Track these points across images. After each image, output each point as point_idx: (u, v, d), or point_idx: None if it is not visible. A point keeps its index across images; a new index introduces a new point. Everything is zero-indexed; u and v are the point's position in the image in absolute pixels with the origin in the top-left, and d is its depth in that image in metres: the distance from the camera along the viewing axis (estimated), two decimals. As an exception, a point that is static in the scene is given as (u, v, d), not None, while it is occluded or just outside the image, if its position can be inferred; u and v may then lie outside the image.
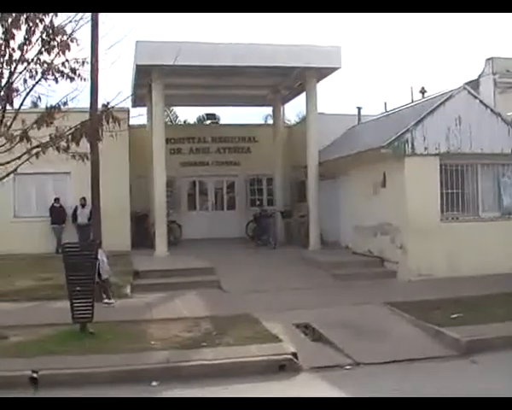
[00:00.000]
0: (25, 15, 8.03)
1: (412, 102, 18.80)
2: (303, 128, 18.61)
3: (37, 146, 8.51)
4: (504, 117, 13.95)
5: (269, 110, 25.44)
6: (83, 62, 8.71)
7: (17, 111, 8.69)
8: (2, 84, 8.38)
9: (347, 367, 7.27)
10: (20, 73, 8.40)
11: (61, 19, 8.32)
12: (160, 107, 17.42)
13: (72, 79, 8.59)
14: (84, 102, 10.23)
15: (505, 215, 13.99)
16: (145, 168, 18.71)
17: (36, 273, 12.96)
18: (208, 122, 26.70)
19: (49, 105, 8.68)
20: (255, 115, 37.99)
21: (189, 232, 20.29)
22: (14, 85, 8.45)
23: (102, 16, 10.27)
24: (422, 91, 19.47)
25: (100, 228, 11.08)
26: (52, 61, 8.45)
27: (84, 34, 9.10)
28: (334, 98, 47.63)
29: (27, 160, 8.66)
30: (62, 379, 6.66)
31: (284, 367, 7.15)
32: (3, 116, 8.54)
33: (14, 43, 8.18)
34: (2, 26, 8.01)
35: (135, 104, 20.28)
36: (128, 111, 15.13)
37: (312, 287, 12.31)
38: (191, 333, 8.52)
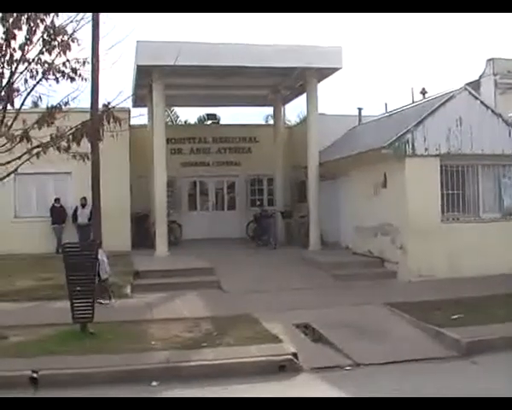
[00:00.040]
0: (26, 15, 8.05)
1: (413, 102, 18.78)
2: (303, 128, 18.61)
3: (38, 146, 8.52)
4: (505, 118, 13.94)
5: (269, 110, 25.44)
6: (84, 62, 8.72)
7: (18, 111, 8.70)
8: (3, 84, 8.39)
9: (347, 368, 7.27)
10: (21, 73, 8.41)
11: (62, 19, 8.36)
12: (161, 107, 17.42)
13: (72, 79, 8.60)
14: (85, 102, 10.28)
15: (506, 216, 13.98)
16: (146, 168, 18.71)
17: (36, 273, 12.96)
18: (209, 122, 26.70)
19: (49, 105, 8.70)
20: (256, 116, 38.00)
21: (189, 232, 20.31)
22: (15, 85, 8.46)
23: (103, 16, 10.30)
24: (423, 92, 19.44)
25: (100, 228, 11.09)
26: (53, 61, 8.47)
27: (84, 34, 9.13)
28: (335, 99, 47.71)
29: (28, 160, 8.67)
30: (62, 379, 6.66)
31: (284, 368, 7.14)
32: (4, 116, 8.54)
33: (15, 43, 8.20)
34: (4, 26, 8.02)
35: (135, 104, 20.32)
36: (129, 111, 15.16)
37: (312, 287, 12.31)
38: (191, 333, 8.52)
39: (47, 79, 8.51)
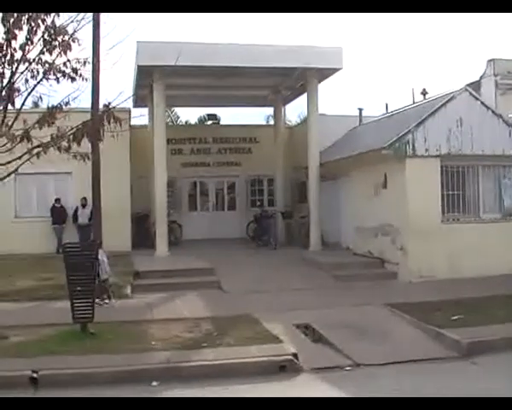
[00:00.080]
0: (26, 15, 8.05)
1: (413, 103, 18.79)
2: (304, 129, 18.62)
3: (39, 146, 8.53)
4: (506, 118, 13.95)
5: (270, 111, 25.45)
6: (84, 62, 8.73)
7: (18, 111, 8.70)
8: (4, 84, 8.40)
9: (347, 368, 7.27)
10: (22, 72, 8.42)
11: (62, 19, 8.37)
12: (162, 107, 17.42)
13: (73, 79, 8.61)
14: (86, 103, 10.27)
15: (506, 217, 13.99)
16: (146, 169, 18.71)
17: (37, 273, 12.97)
18: (209, 123, 26.72)
19: (50, 105, 8.70)
20: (256, 116, 37.97)
21: (189, 233, 20.33)
22: (16, 85, 8.46)
23: (104, 16, 10.27)
24: (424, 93, 19.45)
25: (100, 228, 11.07)
26: (53, 61, 8.47)
27: (85, 34, 9.15)
28: (336, 99, 47.62)
29: (28, 160, 8.68)
30: (63, 379, 6.67)
31: (284, 368, 7.14)
32: (5, 116, 8.55)
33: (15, 43, 8.21)
34: (4, 26, 8.02)
35: (136, 105, 20.33)
36: (129, 111, 15.18)
37: (313, 288, 12.31)
38: (192, 333, 8.52)
39: (48, 78, 8.51)
